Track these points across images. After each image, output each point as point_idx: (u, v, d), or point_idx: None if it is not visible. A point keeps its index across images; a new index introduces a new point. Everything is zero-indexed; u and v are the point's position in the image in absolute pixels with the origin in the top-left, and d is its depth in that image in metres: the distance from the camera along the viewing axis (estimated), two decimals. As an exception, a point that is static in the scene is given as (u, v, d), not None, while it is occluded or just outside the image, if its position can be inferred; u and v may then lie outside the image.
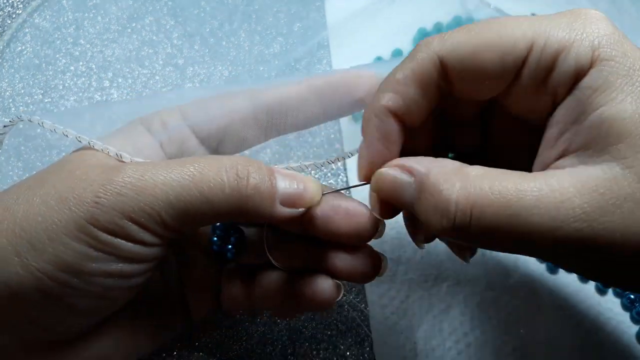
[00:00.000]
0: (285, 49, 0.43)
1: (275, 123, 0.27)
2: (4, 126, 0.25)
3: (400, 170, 0.22)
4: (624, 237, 0.18)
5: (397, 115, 0.22)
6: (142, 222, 0.21)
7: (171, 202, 0.21)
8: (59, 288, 0.21)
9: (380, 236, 0.26)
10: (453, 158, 0.24)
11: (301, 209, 0.24)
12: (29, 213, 0.21)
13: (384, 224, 0.26)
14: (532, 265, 0.35)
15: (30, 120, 0.24)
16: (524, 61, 0.20)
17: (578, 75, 0.19)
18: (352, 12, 0.44)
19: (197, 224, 0.23)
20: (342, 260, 0.26)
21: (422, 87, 0.22)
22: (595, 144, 0.19)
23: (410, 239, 0.27)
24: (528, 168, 0.22)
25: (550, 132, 0.21)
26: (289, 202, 0.23)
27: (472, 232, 0.19)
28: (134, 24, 0.42)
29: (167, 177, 0.21)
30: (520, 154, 0.24)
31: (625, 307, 0.34)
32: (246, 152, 0.29)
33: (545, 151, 0.21)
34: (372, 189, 0.24)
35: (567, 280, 0.35)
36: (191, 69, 0.41)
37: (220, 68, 0.41)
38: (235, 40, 0.43)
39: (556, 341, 0.33)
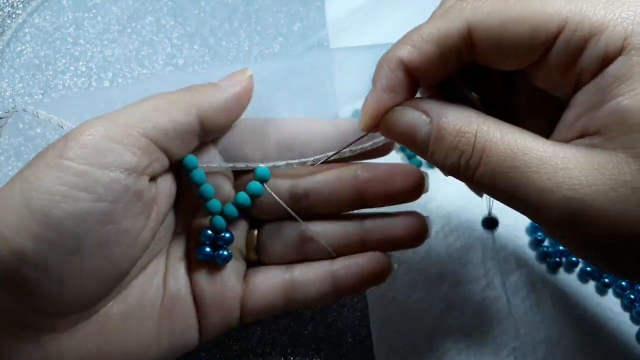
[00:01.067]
0: (285, 49, 0.43)
1: (296, 153, 0.28)
2: (0, 118, 0.26)
3: (415, 110, 0.22)
4: (613, 218, 0.19)
5: (410, 69, 0.22)
6: (114, 136, 0.22)
7: (143, 117, 0.23)
8: (40, 253, 0.20)
9: (427, 190, 0.28)
10: (474, 98, 0.25)
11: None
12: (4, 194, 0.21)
13: (428, 177, 0.28)
14: (533, 265, 0.35)
15: (24, 110, 0.25)
16: (554, 39, 0.20)
17: (605, 61, 0.19)
18: (352, 12, 0.44)
19: (173, 134, 0.24)
20: (393, 227, 0.27)
21: (444, 50, 0.21)
22: (609, 131, 0.19)
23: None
24: (544, 132, 0.22)
25: (569, 113, 0.21)
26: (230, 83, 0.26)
27: (477, 175, 0.21)
28: (134, 24, 0.42)
29: (131, 109, 0.23)
30: (540, 118, 0.24)
31: (625, 307, 0.35)
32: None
33: (562, 130, 0.21)
34: (382, 129, 0.24)
35: (567, 280, 0.35)
36: (191, 69, 0.41)
37: (220, 68, 0.41)
38: (235, 40, 0.43)
39: (556, 341, 0.33)
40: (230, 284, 0.27)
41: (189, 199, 0.27)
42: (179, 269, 0.27)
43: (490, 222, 0.34)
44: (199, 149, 0.26)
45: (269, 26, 0.43)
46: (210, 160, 0.26)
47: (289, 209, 0.27)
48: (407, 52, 0.21)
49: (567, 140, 0.21)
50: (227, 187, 0.27)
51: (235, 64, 0.42)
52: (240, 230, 0.28)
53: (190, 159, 0.25)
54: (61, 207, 0.20)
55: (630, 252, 0.20)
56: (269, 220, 0.29)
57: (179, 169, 0.26)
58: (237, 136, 0.27)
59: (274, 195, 0.27)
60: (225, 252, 0.27)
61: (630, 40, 0.19)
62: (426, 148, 0.22)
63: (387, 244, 0.28)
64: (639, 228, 0.19)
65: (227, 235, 0.27)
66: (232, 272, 0.27)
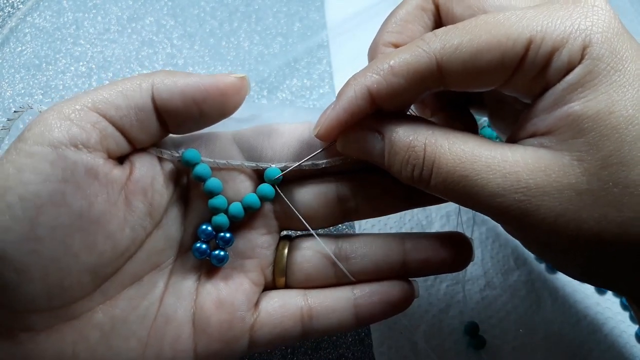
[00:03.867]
0: (285, 49, 0.43)
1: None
2: (15, 111, 0.25)
3: (368, 130, 0.23)
4: (559, 219, 0.20)
5: (375, 99, 0.22)
6: (63, 113, 0.21)
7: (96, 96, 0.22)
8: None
9: (473, 259, 0.27)
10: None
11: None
12: None
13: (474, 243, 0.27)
14: (532, 264, 0.35)
15: (39, 111, 0.25)
16: (523, 59, 0.20)
17: (568, 71, 0.20)
18: (352, 13, 0.44)
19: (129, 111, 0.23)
20: (436, 249, 0.26)
21: (412, 84, 0.22)
22: (558, 133, 0.20)
23: (402, 220, 0.27)
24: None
25: (524, 114, 0.22)
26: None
27: (432, 185, 0.22)
28: (134, 24, 0.42)
29: (90, 90, 0.23)
30: (508, 122, 0.25)
31: (624, 306, 0.35)
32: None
33: (516, 130, 0.22)
34: (339, 147, 0.24)
35: (566, 280, 0.35)
36: (191, 69, 0.41)
37: (220, 68, 0.42)
38: (235, 40, 0.43)
39: (555, 341, 0.33)
40: (240, 314, 0.25)
41: (201, 213, 0.25)
42: (183, 288, 0.25)
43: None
44: (214, 144, 0.25)
45: (269, 26, 0.44)
46: (226, 156, 0.25)
47: (301, 217, 0.25)
48: (375, 83, 0.22)
49: (518, 139, 0.22)
50: (245, 189, 0.25)
51: (235, 64, 0.42)
52: (267, 250, 0.26)
53: (192, 152, 0.24)
54: (12, 192, 0.20)
55: (574, 252, 0.20)
56: (296, 230, 0.27)
57: (182, 176, 0.25)
58: (257, 138, 0.26)
59: (284, 196, 0.25)
60: (222, 253, 0.25)
61: (588, 50, 0.19)
62: (383, 163, 0.23)
63: (429, 267, 0.26)
64: (583, 228, 0.19)
65: (227, 235, 0.25)
66: (246, 300, 0.25)
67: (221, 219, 0.25)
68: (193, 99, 0.23)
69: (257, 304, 0.26)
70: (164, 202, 0.24)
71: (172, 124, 0.24)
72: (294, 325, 0.25)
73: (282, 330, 0.25)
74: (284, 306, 0.25)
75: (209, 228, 0.25)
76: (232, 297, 0.25)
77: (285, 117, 0.27)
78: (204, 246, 0.25)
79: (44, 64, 0.40)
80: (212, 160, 0.24)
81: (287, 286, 0.26)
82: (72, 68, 0.40)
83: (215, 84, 0.23)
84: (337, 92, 0.41)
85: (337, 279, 0.26)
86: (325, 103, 0.41)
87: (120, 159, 0.24)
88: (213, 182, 0.24)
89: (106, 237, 0.22)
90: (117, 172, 0.23)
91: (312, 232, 0.26)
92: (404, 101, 0.23)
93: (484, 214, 0.22)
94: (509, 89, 0.22)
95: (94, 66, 0.41)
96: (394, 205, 0.27)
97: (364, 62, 0.43)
